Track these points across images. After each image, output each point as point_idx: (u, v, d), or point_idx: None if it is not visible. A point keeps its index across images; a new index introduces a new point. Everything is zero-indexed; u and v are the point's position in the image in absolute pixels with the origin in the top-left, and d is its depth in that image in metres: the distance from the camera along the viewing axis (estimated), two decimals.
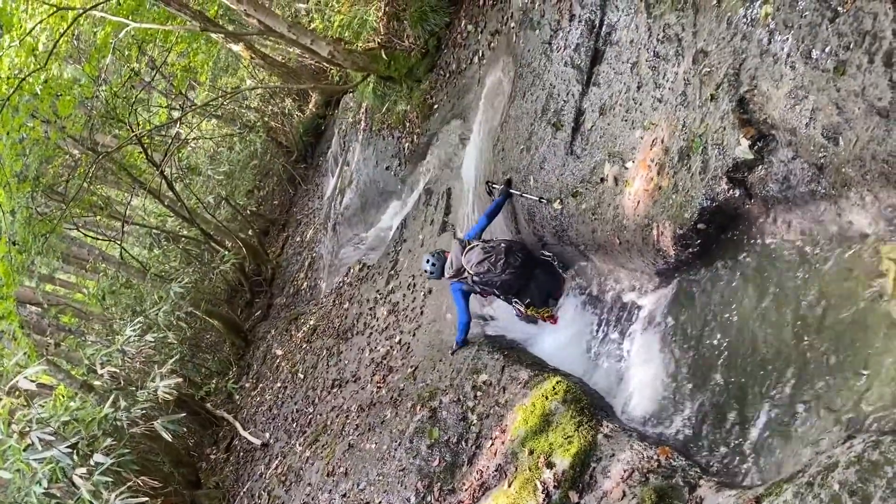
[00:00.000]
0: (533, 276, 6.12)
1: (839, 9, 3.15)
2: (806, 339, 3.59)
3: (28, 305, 17.02)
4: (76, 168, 14.45)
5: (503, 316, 7.01)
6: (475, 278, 6.08)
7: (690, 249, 4.34)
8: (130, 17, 10.79)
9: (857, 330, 3.32)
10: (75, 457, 7.79)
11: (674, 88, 4.38)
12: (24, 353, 9.07)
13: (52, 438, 7.89)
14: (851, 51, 3.07)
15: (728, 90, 3.85)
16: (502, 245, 5.98)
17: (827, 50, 3.20)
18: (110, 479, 7.59)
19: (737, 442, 3.85)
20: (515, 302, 6.18)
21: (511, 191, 6.38)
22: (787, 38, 3.44)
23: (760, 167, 3.74)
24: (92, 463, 7.69)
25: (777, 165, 3.63)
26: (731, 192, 3.91)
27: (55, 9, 8.92)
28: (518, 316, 6.44)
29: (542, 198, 5.85)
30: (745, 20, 3.77)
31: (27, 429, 7.88)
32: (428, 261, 6.47)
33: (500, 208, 6.52)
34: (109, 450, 8.12)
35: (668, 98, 4.42)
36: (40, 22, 9.10)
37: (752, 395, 3.84)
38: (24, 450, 7.64)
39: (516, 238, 6.47)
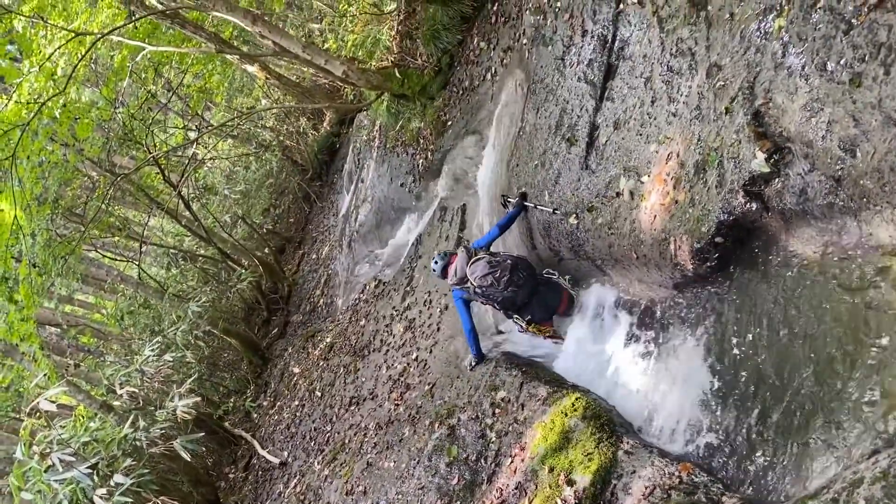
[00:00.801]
0: (536, 292, 6.06)
1: (853, 21, 3.14)
2: (830, 352, 3.56)
3: (48, 326, 17.18)
4: (94, 190, 14.66)
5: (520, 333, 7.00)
6: (477, 290, 6.08)
7: (708, 263, 4.31)
8: (147, 41, 10.95)
9: (882, 343, 3.28)
10: (95, 477, 7.85)
11: (688, 102, 4.38)
12: (45, 375, 9.15)
13: (73, 459, 7.96)
14: (867, 63, 3.06)
15: (743, 103, 3.84)
16: (508, 261, 5.96)
17: (842, 62, 3.19)
18: (130, 500, 7.64)
19: (762, 457, 3.81)
20: (516, 318, 6.19)
21: (526, 203, 6.40)
22: (802, 51, 3.43)
23: (777, 180, 3.72)
24: (112, 483, 7.74)
25: (794, 178, 3.62)
26: (748, 205, 3.89)
27: (73, 34, 9.07)
28: (520, 330, 6.43)
29: (557, 209, 5.86)
30: (758, 33, 3.77)
31: (48, 450, 7.96)
32: (435, 260, 6.57)
33: (513, 220, 6.52)
34: (129, 470, 8.17)
35: (683, 112, 4.41)
36: (59, 47, 9.25)
37: (777, 408, 3.80)
38: (45, 471, 7.71)
39: (524, 255, 6.42)
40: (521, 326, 6.21)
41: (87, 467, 7.90)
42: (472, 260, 6.14)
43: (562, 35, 6.15)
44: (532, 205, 6.29)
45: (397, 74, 9.62)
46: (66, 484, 7.69)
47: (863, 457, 2.98)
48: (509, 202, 6.74)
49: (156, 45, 10.91)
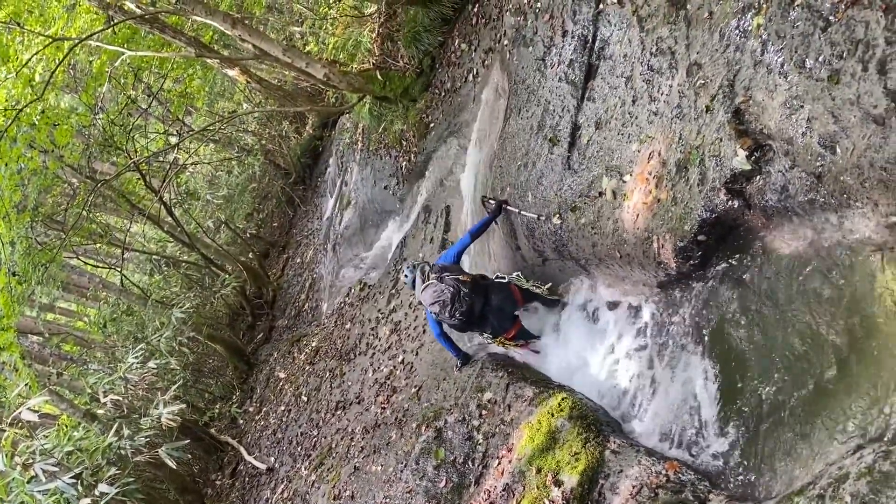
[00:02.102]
0: (488, 304, 5.88)
1: (831, 18, 3.15)
2: (813, 347, 3.57)
3: (29, 335, 16.97)
4: (75, 196, 14.48)
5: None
6: (432, 315, 6.03)
7: (692, 261, 4.32)
8: (126, 46, 10.86)
9: (865, 337, 3.30)
10: (80, 487, 7.75)
11: (669, 101, 4.39)
12: (26, 384, 9.04)
13: (56, 469, 7.86)
14: (845, 59, 3.08)
15: (723, 101, 3.85)
16: (448, 291, 5.76)
17: (820, 59, 3.20)
18: None
19: (747, 454, 3.82)
20: (483, 335, 6.16)
21: (508, 208, 6.35)
22: (781, 49, 3.45)
23: (758, 177, 3.73)
24: (97, 493, 7.65)
25: (775, 175, 3.63)
26: (729, 203, 3.90)
27: (51, 40, 8.97)
28: (489, 343, 6.41)
29: (541, 215, 5.82)
30: (737, 32, 3.78)
31: (31, 461, 7.86)
32: (405, 273, 6.36)
33: (486, 227, 6.43)
34: (114, 479, 8.08)
35: (664, 111, 4.42)
36: (36, 53, 9.14)
37: (762, 405, 3.82)
38: (28, 482, 7.61)
39: (472, 275, 6.07)
40: (489, 341, 6.22)
41: (71, 477, 7.80)
42: (423, 286, 5.96)
43: (542, 35, 6.15)
44: (515, 210, 6.22)
45: (379, 77, 9.60)
46: (49, 494, 7.60)
47: (848, 452, 2.99)
48: (489, 203, 6.67)
49: (135, 49, 10.81)
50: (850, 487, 2.67)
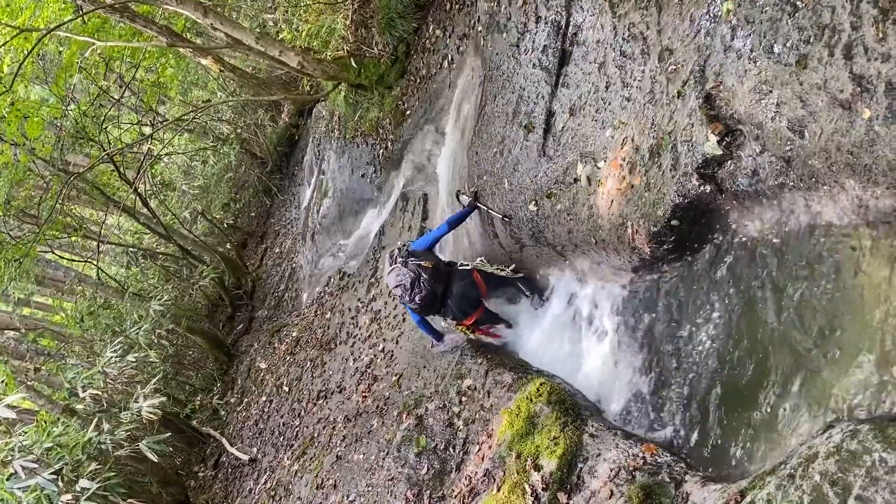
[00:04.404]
0: (449, 291, 6.03)
1: (798, 3, 3.18)
2: (784, 329, 3.63)
3: (5, 331, 16.78)
4: (48, 190, 14.29)
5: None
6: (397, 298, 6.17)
7: (665, 246, 4.36)
8: (96, 36, 10.67)
9: (834, 319, 3.36)
10: (60, 483, 7.69)
11: (641, 87, 4.41)
12: (3, 381, 8.94)
13: (36, 466, 7.79)
14: (812, 44, 3.11)
15: (694, 87, 3.88)
16: (409, 276, 5.89)
17: (788, 44, 3.23)
18: None
19: (721, 435, 3.88)
20: (445, 320, 6.34)
21: (478, 204, 6.48)
22: (749, 34, 3.47)
23: (729, 162, 3.77)
24: (77, 489, 7.60)
25: (746, 160, 3.67)
26: (702, 187, 3.93)
27: (18, 30, 8.81)
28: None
29: (506, 216, 5.99)
30: (707, 17, 3.81)
31: (9, 458, 7.78)
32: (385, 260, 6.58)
33: (463, 219, 6.57)
34: (95, 474, 8.02)
35: (637, 97, 4.44)
36: (3, 44, 8.98)
37: (735, 387, 3.88)
38: (7, 479, 7.54)
39: (435, 261, 6.14)
40: (451, 327, 6.38)
41: (51, 473, 7.73)
42: (389, 269, 6.10)
43: (516, 22, 6.14)
44: (484, 207, 6.38)
45: (353, 64, 9.53)
46: (29, 491, 7.53)
47: (817, 432, 3.05)
48: (462, 197, 6.74)
49: (105, 39, 10.64)
50: (819, 466, 2.72)
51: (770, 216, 3.78)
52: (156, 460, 8.87)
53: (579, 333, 5.59)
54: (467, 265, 6.16)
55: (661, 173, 4.14)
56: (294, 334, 12.31)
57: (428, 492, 5.63)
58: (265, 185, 19.27)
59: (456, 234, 7.51)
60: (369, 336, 9.13)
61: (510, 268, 6.25)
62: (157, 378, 11.09)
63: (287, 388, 10.99)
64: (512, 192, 5.94)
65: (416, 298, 5.92)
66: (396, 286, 5.95)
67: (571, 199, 5.07)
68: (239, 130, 18.93)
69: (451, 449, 5.72)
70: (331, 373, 9.70)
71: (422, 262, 5.92)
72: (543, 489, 4.40)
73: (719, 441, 3.89)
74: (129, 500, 8.16)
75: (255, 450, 10.77)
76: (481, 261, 6.23)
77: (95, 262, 15.18)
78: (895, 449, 2.51)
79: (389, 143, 10.26)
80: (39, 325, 18.88)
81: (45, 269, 17.46)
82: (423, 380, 6.85)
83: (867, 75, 2.87)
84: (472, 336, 6.44)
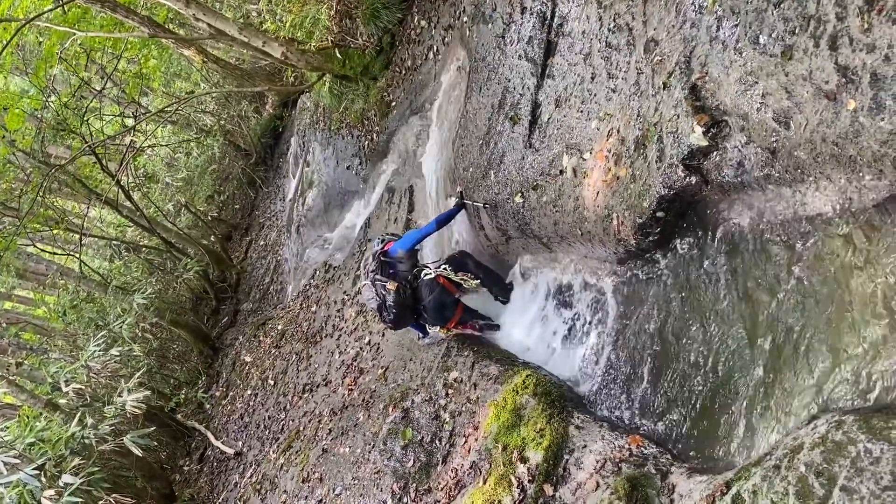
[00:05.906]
0: (423, 307, 6.18)
1: None
2: (770, 321, 3.63)
3: None
4: (29, 182, 14.11)
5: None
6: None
7: (651, 238, 4.35)
8: (77, 26, 10.55)
9: (819, 310, 3.37)
10: (43, 479, 7.62)
11: (627, 78, 4.39)
12: None
13: (18, 461, 7.71)
14: (797, 35, 3.10)
15: (680, 78, 3.87)
16: (375, 301, 6.12)
17: (774, 35, 3.22)
18: (80, 500, 7.44)
19: (707, 427, 3.89)
20: (429, 327, 6.49)
21: (465, 202, 6.52)
22: (735, 25, 3.46)
23: (715, 153, 3.76)
24: (61, 484, 7.53)
25: (731, 151, 3.66)
26: (687, 179, 3.93)
27: None
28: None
29: (487, 204, 6.05)
30: (693, 8, 3.79)
31: None
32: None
33: (451, 218, 6.58)
34: (78, 469, 7.95)
35: (622, 88, 4.43)
36: None
37: (721, 378, 3.88)
38: None
39: (398, 281, 6.14)
40: (437, 331, 6.50)
41: (34, 469, 7.66)
42: (362, 283, 6.31)
43: (501, 12, 6.11)
44: (470, 202, 6.43)
45: (338, 55, 9.46)
46: (11, 487, 7.45)
47: (802, 423, 3.06)
48: (450, 198, 6.85)
49: (86, 30, 10.51)
50: (804, 457, 2.73)
51: (756, 207, 3.78)
52: (140, 454, 8.81)
53: (564, 325, 5.59)
54: (430, 272, 6.13)
55: (647, 165, 4.13)
56: (279, 327, 12.26)
57: (414, 484, 5.62)
58: (249, 177, 19.13)
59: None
60: (355, 329, 9.10)
61: (475, 281, 6.19)
62: (140, 372, 11.00)
63: (272, 382, 10.95)
64: (498, 184, 5.91)
65: (387, 319, 6.17)
66: (370, 298, 6.18)
67: (557, 191, 5.06)
68: (223, 122, 18.77)
69: (437, 441, 5.71)
70: (316, 366, 9.67)
71: (386, 284, 6.03)
72: (530, 481, 4.39)
73: (705, 432, 3.89)
74: (113, 495, 8.09)
75: (240, 443, 10.73)
76: (445, 268, 6.19)
77: (78, 256, 15.03)
78: (880, 440, 2.52)
79: (375, 135, 10.21)
80: (21, 319, 18.70)
81: (27, 262, 17.26)
82: (410, 372, 6.83)
83: (852, 66, 2.87)
84: (456, 332, 6.47)
